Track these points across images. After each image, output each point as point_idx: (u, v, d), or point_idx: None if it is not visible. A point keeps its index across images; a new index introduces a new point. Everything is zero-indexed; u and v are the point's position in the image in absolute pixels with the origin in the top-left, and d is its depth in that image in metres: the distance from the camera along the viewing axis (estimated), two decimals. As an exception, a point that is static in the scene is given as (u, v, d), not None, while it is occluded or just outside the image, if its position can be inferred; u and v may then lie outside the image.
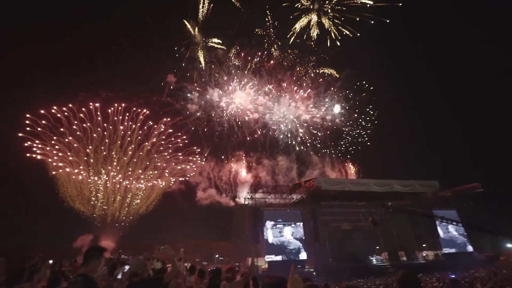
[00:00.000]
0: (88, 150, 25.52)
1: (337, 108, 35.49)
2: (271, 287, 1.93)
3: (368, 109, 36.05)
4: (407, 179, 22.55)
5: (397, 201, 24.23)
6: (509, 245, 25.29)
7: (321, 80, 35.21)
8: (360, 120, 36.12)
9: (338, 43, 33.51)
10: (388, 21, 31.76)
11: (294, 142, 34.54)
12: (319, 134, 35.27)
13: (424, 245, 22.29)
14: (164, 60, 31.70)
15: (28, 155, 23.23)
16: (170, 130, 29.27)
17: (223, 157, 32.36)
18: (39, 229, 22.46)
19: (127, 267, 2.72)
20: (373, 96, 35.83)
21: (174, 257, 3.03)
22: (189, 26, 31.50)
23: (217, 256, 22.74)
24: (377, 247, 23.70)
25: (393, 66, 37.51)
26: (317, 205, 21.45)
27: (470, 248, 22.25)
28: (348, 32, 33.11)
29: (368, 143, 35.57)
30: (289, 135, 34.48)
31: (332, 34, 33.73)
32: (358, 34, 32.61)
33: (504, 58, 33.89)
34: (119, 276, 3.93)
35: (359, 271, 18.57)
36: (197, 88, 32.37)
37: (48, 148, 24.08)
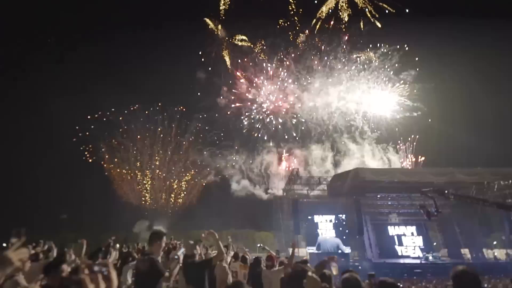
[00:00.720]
0: (134, 152, 28.61)
1: (375, 91, 32.09)
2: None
3: (415, 90, 31.77)
4: (472, 168, 19.54)
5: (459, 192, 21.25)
6: None
7: (356, 64, 32.13)
8: (406, 102, 32.11)
9: (378, 24, 30.02)
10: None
11: (327, 131, 32.71)
12: (355, 122, 32.70)
13: (494, 243, 19.21)
14: (193, 58, 32.87)
15: (83, 158, 27.25)
16: (206, 127, 30.72)
17: (257, 150, 32.44)
18: (104, 220, 26.62)
19: (181, 250, 3.10)
20: (422, 76, 31.43)
21: (218, 241, 3.31)
22: (212, 24, 31.99)
23: (258, 245, 23.61)
24: (435, 243, 21.37)
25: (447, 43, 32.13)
26: (361, 196, 20.25)
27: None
28: (388, 8, 29.38)
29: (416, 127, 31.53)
30: (322, 124, 32.76)
31: (368, 13, 30.37)
32: (406, 10, 28.67)
33: None
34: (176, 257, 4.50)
35: (412, 268, 17.13)
36: (226, 84, 32.63)
37: (103, 150, 27.79)
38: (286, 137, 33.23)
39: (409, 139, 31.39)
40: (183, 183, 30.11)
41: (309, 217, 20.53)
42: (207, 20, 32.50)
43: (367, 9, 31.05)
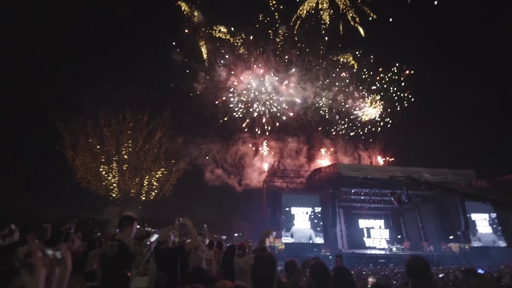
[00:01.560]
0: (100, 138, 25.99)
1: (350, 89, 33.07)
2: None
3: (392, 90, 33.17)
4: (437, 168, 21.14)
5: (427, 191, 23.01)
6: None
7: (333, 63, 32.65)
8: (382, 102, 33.52)
9: (361, 30, 30.53)
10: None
11: (303, 125, 33.14)
12: (330, 117, 33.53)
13: (451, 237, 21.23)
14: (170, 37, 30.46)
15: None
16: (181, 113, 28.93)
17: (232, 139, 31.62)
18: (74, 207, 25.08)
19: (155, 237, 3.04)
20: (398, 76, 32.80)
21: (193, 229, 3.29)
22: (186, 8, 30.39)
23: (236, 234, 23.96)
24: (399, 236, 23.14)
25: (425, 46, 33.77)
26: (337, 190, 21.18)
27: (503, 244, 20.74)
28: (370, 14, 29.99)
29: (390, 126, 33.17)
30: (298, 118, 33.06)
31: (349, 16, 30.82)
32: (389, 20, 29.35)
33: None
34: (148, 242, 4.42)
35: (377, 258, 18.48)
36: (203, 69, 31.00)
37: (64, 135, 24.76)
38: (264, 129, 33.00)
39: (383, 138, 33.07)
40: (156, 174, 28.52)
41: (287, 209, 21.13)
42: (181, 4, 30.64)
43: (348, 13, 31.39)
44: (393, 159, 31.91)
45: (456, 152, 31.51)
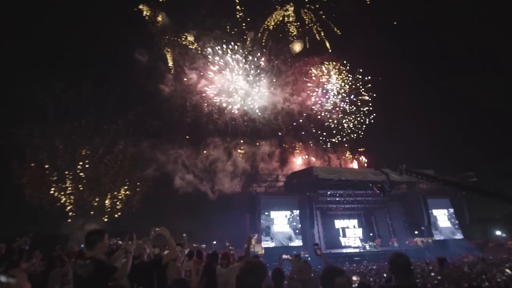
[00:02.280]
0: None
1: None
2: None
3: (358, 97, 35.04)
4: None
5: (394, 190, 24.69)
6: (498, 233, 26.19)
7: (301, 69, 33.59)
8: (351, 107, 35.31)
9: (327, 44, 32.12)
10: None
11: (275, 129, 33.44)
12: (300, 122, 34.36)
13: (416, 232, 22.96)
14: (135, 35, 28.69)
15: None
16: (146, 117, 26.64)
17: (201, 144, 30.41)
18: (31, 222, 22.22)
19: (134, 243, 2.79)
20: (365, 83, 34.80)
21: (171, 239, 3.07)
22: (148, 12, 29.19)
23: (214, 242, 23.30)
24: (371, 234, 24.42)
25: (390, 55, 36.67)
26: (314, 193, 21.77)
27: (460, 236, 22.98)
28: (335, 29, 31.80)
29: (357, 131, 34.97)
30: (270, 122, 33.26)
31: (314, 31, 32.46)
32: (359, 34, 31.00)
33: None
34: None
35: (352, 257, 19.24)
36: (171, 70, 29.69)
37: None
38: (235, 133, 32.22)
39: (348, 141, 34.82)
40: (120, 191, 25.81)
41: (266, 213, 21.14)
42: (143, 8, 29.24)
43: (313, 28, 32.89)
44: (366, 160, 33.70)
45: (417, 154, 34.48)
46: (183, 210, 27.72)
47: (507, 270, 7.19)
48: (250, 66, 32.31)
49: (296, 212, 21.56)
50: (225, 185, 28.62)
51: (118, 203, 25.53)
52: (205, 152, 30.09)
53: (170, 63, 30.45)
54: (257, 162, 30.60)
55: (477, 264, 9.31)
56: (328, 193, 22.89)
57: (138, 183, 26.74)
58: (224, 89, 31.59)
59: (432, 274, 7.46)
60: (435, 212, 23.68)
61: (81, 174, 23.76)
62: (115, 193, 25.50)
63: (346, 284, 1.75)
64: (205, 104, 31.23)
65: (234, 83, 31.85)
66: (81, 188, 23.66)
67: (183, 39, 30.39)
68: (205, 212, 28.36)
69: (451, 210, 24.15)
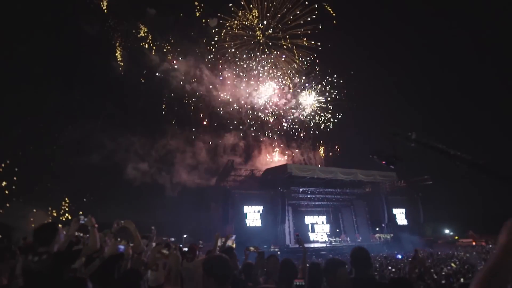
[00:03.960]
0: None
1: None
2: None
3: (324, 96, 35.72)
4: (369, 170, 24.43)
5: (358, 189, 26.33)
6: (446, 231, 29.36)
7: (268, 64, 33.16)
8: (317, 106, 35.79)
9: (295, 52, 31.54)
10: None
11: (240, 123, 32.89)
12: (266, 117, 34.29)
13: (377, 229, 24.84)
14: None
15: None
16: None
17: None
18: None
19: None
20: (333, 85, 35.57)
21: (136, 232, 2.91)
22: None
23: (185, 236, 22.84)
24: (337, 230, 25.86)
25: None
26: (287, 189, 22.35)
27: (413, 233, 25.36)
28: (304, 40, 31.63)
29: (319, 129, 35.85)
30: (235, 115, 32.68)
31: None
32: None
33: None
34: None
35: (319, 251, 20.22)
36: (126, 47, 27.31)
37: None
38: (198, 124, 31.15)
39: (311, 137, 35.67)
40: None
41: (239, 208, 21.24)
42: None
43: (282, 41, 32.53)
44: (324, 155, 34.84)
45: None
46: (151, 202, 26.64)
47: (452, 264, 8.13)
48: (215, 58, 30.89)
49: (268, 207, 21.98)
50: (195, 177, 27.87)
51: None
52: (171, 141, 28.25)
53: (119, 56, 27.16)
54: (220, 154, 30.10)
55: (428, 259, 10.38)
56: (301, 190, 23.66)
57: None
58: (189, 76, 29.80)
59: (389, 267, 8.13)
60: (395, 210, 25.81)
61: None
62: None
63: (347, 274, 1.89)
64: (167, 90, 29.14)
65: (200, 71, 30.20)
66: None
67: (140, 30, 27.86)
68: (175, 206, 27.52)
69: (408, 210, 26.53)
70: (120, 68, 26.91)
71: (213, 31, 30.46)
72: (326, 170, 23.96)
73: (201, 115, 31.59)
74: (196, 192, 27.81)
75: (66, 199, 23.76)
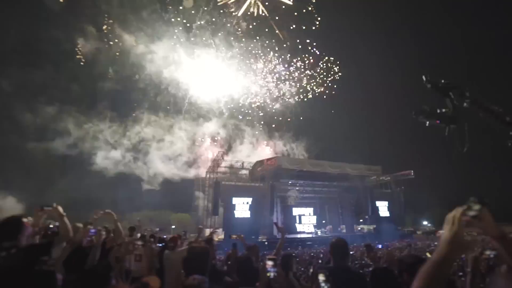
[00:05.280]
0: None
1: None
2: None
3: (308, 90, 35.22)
4: (356, 164, 25.08)
5: (345, 182, 27.01)
6: (425, 223, 30.91)
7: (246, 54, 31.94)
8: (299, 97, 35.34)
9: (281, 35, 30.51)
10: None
11: (219, 112, 32.05)
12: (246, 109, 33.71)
13: (361, 220, 25.79)
14: None
15: None
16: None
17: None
18: None
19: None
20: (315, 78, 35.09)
21: (117, 223, 2.87)
22: None
23: (173, 227, 22.83)
24: (323, 221, 26.64)
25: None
26: (276, 182, 22.63)
27: (394, 225, 26.52)
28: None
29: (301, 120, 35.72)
30: (213, 104, 31.68)
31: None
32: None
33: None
34: None
35: (305, 241, 20.82)
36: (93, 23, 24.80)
37: None
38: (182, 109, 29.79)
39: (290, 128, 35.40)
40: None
41: (228, 199, 21.35)
42: None
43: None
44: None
45: (368, 150, 38.08)
46: (140, 193, 26.19)
47: (427, 254, 8.60)
48: (193, 37, 29.07)
49: (258, 199, 22.23)
50: (175, 167, 27.25)
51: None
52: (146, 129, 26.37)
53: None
54: (197, 145, 29.44)
55: (406, 249, 10.94)
56: (289, 182, 24.02)
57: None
58: (167, 61, 28.05)
59: (366, 258, 8.49)
60: (378, 203, 26.81)
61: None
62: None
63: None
64: (140, 74, 27.13)
65: (178, 55, 28.48)
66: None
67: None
68: (164, 196, 27.20)
69: (390, 202, 27.66)
70: (87, 49, 24.93)
71: (190, 12, 28.48)
72: (315, 163, 24.39)
73: (179, 102, 30.35)
74: (182, 183, 27.55)
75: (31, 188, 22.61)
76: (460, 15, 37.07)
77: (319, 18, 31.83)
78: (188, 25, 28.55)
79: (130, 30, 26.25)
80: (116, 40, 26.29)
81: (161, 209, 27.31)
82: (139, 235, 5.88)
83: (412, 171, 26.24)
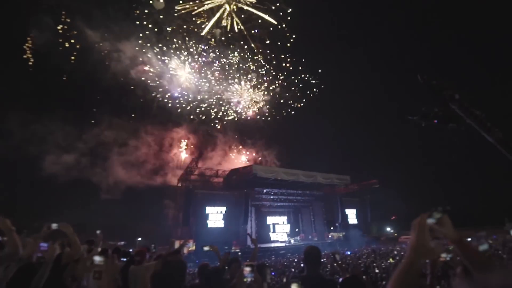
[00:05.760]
0: None
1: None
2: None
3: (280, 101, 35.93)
4: (327, 173, 26.18)
5: (317, 191, 27.90)
6: (388, 229, 33.04)
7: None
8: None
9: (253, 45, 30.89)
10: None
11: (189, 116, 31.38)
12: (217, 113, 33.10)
13: (331, 228, 26.71)
14: None
15: None
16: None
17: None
18: None
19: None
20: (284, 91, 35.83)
21: (74, 236, 2.58)
22: None
23: (139, 239, 21.28)
24: (297, 230, 27.04)
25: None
26: (251, 190, 22.55)
27: (361, 232, 27.95)
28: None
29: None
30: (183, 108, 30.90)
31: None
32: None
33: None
34: None
35: (279, 250, 20.86)
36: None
37: None
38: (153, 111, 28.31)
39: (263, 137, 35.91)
40: None
41: (201, 208, 20.65)
42: None
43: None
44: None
45: (337, 161, 40.10)
46: (101, 203, 23.96)
47: (390, 260, 9.17)
48: (163, 41, 27.88)
49: (231, 208, 21.87)
50: (139, 175, 25.81)
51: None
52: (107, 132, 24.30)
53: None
54: (165, 151, 28.39)
55: (371, 254, 11.55)
56: (264, 191, 24.11)
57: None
58: (135, 61, 26.69)
59: (335, 264, 8.76)
60: (347, 211, 28.12)
61: None
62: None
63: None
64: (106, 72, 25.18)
65: (148, 57, 27.22)
66: None
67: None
68: (132, 206, 25.28)
69: (358, 210, 29.22)
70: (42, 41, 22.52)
71: (160, 16, 27.39)
72: (289, 172, 24.90)
73: (147, 105, 28.75)
74: (150, 192, 25.97)
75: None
76: (426, 28, 41.15)
77: (293, 36, 33.14)
78: (156, 29, 27.47)
79: (93, 26, 24.32)
80: (75, 32, 24.15)
81: (125, 219, 25.24)
82: (99, 249, 5.36)
83: (377, 181, 28.17)
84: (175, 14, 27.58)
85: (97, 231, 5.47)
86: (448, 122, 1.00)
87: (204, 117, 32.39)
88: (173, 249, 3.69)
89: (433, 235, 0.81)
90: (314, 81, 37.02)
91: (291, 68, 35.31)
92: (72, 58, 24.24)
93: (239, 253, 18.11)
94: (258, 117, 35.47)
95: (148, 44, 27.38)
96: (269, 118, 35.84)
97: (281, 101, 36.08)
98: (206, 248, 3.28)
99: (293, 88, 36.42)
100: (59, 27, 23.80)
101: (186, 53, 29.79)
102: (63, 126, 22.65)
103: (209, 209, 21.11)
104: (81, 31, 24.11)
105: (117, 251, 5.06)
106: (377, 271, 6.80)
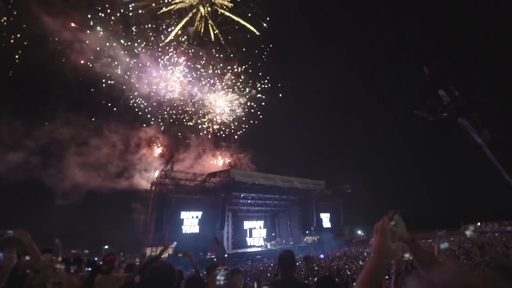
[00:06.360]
0: None
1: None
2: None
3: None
4: (303, 178, 26.86)
5: (293, 195, 28.44)
6: (359, 232, 34.65)
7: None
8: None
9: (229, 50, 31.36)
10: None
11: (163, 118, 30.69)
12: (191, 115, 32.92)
13: (307, 232, 27.31)
14: None
15: None
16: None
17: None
18: None
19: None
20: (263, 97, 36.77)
21: (32, 244, 2.35)
22: None
23: (106, 247, 19.82)
24: (273, 234, 27.22)
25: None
26: (228, 195, 22.26)
27: (334, 235, 29.02)
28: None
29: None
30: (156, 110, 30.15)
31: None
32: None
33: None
34: None
35: (255, 255, 20.77)
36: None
37: None
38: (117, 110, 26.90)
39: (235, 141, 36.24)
40: None
41: (175, 213, 19.90)
42: None
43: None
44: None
45: (312, 166, 41.55)
46: (64, 208, 21.92)
47: (360, 262, 9.62)
48: (132, 36, 26.85)
49: (207, 213, 21.38)
50: (126, 179, 24.47)
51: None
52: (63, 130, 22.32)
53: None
54: (134, 153, 27.23)
55: (343, 257, 12.02)
56: (242, 195, 23.98)
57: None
58: (100, 54, 25.06)
59: (313, 266, 8.98)
60: (322, 215, 29.01)
61: None
62: None
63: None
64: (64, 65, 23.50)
65: (114, 51, 25.88)
66: None
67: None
68: (98, 211, 23.43)
69: (332, 214, 30.31)
70: None
71: (129, 9, 26.35)
72: (267, 177, 25.09)
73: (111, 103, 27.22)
74: (116, 196, 24.23)
75: None
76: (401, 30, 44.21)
77: (270, 45, 34.01)
78: (121, 26, 26.07)
79: (51, 13, 22.26)
80: (28, 17, 21.81)
81: (88, 226, 23.21)
82: (60, 258, 4.92)
83: (349, 186, 29.55)
84: (140, 11, 26.45)
85: (55, 239, 5.03)
86: (458, 115, 0.99)
87: (175, 117, 31.35)
88: (145, 260, 3.49)
89: (393, 237, 0.89)
90: (289, 85, 38.08)
91: (265, 73, 36.12)
92: (25, 44, 21.68)
93: (215, 259, 17.70)
94: (233, 118, 35.36)
95: (115, 37, 25.82)
96: (243, 118, 35.98)
97: (254, 105, 36.54)
98: (180, 255, 3.16)
99: (265, 92, 37.00)
100: (9, 7, 21.28)
101: (156, 52, 28.74)
102: (9, 121, 20.36)
103: (184, 214, 20.42)
104: (36, 16, 21.78)
105: (78, 261, 4.68)
106: (348, 273, 7.09)
